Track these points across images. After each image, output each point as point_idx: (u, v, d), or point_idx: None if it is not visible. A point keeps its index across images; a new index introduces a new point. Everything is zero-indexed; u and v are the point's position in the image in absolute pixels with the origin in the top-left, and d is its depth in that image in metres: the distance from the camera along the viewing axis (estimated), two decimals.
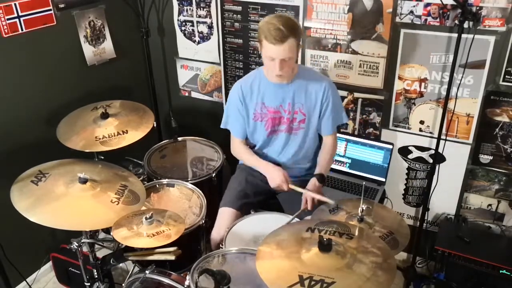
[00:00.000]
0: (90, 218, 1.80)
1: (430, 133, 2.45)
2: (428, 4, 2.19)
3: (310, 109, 2.14)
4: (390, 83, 2.45)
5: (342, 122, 2.26)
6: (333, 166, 2.68)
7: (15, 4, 2.25)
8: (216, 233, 2.14)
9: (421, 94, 2.39)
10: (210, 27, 2.88)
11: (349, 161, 2.65)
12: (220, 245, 1.92)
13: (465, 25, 2.08)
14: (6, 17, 2.23)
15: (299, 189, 2.10)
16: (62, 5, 2.49)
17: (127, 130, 2.24)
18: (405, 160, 2.59)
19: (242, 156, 2.30)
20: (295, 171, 2.28)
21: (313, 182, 2.13)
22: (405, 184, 2.65)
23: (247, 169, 2.36)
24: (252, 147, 2.31)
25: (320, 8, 2.46)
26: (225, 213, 2.18)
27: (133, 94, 3.00)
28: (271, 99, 2.14)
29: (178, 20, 2.98)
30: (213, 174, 2.48)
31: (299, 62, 2.63)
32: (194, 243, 2.20)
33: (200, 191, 2.27)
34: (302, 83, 2.11)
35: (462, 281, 2.25)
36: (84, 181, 1.86)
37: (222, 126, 2.31)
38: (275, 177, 2.12)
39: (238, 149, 2.29)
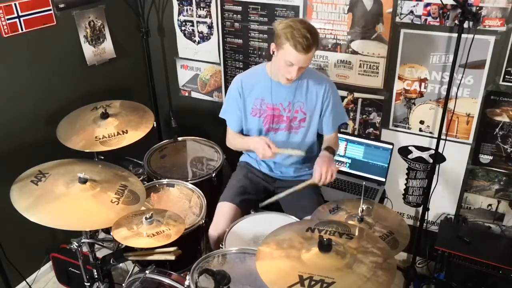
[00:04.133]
0: (90, 218, 1.80)
1: (430, 133, 2.45)
2: (428, 4, 2.19)
3: (311, 109, 2.14)
4: (390, 83, 2.45)
5: (343, 121, 2.26)
6: None
7: (15, 4, 2.25)
8: (214, 228, 2.15)
9: (421, 94, 2.39)
10: (210, 27, 2.88)
11: (349, 161, 2.65)
12: (220, 245, 1.92)
13: (465, 25, 2.08)
14: (6, 17, 2.23)
15: (286, 151, 2.06)
16: (62, 5, 2.49)
17: (127, 130, 2.24)
18: (405, 160, 2.59)
19: (234, 141, 2.29)
20: (292, 170, 2.29)
21: (323, 154, 2.06)
22: (405, 184, 2.65)
23: (247, 167, 2.37)
24: None
25: (320, 8, 2.46)
26: (224, 208, 2.18)
27: (133, 94, 3.00)
28: (271, 97, 2.15)
29: (178, 20, 2.98)
30: (213, 174, 2.47)
31: None
32: (194, 243, 2.20)
33: (200, 191, 2.27)
34: (303, 83, 2.12)
35: (462, 281, 2.25)
36: (84, 181, 1.86)
37: (220, 115, 2.33)
38: (258, 147, 2.06)
39: (231, 139, 2.30)
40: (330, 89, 2.13)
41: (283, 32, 1.89)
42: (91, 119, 2.31)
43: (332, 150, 2.10)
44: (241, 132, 2.30)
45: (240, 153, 2.45)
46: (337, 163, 2.67)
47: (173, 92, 3.28)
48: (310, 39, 1.86)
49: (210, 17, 2.85)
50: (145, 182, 2.38)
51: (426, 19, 2.22)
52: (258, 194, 2.29)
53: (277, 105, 2.15)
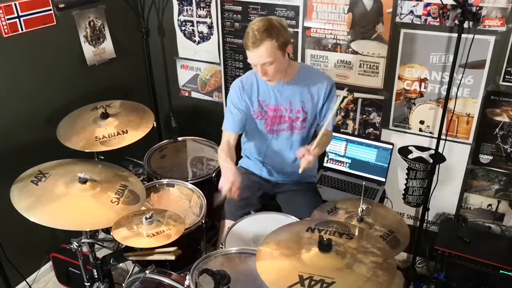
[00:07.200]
0: (90, 218, 1.80)
1: (430, 133, 2.45)
2: (428, 4, 2.19)
3: (312, 107, 2.13)
4: (390, 83, 2.45)
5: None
6: (333, 166, 2.69)
7: (15, 4, 2.25)
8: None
9: (421, 94, 2.39)
10: (210, 27, 2.88)
11: (349, 161, 2.65)
12: (220, 245, 1.92)
13: (465, 25, 2.08)
14: (6, 17, 2.23)
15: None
16: (62, 5, 2.49)
17: (127, 130, 2.24)
18: (405, 160, 2.59)
19: (219, 153, 2.21)
20: (292, 174, 2.28)
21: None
22: (405, 184, 2.65)
23: (246, 174, 2.34)
24: (246, 144, 2.32)
25: (320, 8, 2.46)
26: (227, 226, 2.16)
27: (133, 94, 3.00)
28: (271, 98, 2.14)
29: (178, 20, 2.98)
30: (213, 174, 2.47)
31: (299, 60, 2.63)
32: (194, 243, 2.20)
33: (200, 191, 2.27)
34: (304, 82, 2.10)
35: (462, 281, 2.25)
36: (84, 181, 1.86)
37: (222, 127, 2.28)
38: (224, 183, 2.01)
39: (220, 148, 2.21)
40: (331, 87, 2.11)
41: None
42: (91, 119, 2.31)
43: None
44: (240, 133, 2.27)
45: (238, 156, 2.43)
46: (338, 162, 2.67)
47: (173, 92, 3.28)
48: (256, 35, 1.87)
49: (210, 17, 2.84)
50: (145, 182, 2.38)
51: (426, 19, 2.22)
52: (258, 202, 2.26)
53: (278, 106, 2.14)
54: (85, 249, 2.02)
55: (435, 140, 2.35)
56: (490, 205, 2.43)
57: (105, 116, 2.28)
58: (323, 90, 2.10)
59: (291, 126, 2.17)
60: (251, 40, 1.89)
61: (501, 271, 2.13)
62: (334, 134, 2.62)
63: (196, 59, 3.05)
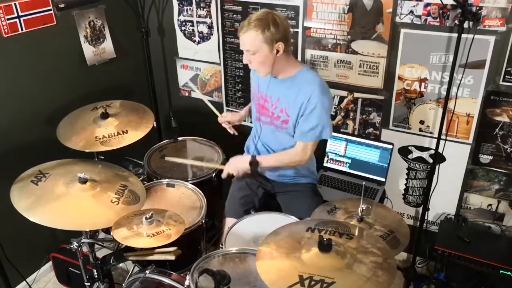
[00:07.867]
0: (90, 218, 1.80)
1: (430, 133, 2.45)
2: (428, 4, 2.19)
3: (295, 112, 2.06)
4: (390, 83, 2.45)
5: (321, 137, 2.07)
6: (333, 166, 2.68)
7: (15, 4, 2.25)
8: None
9: (421, 94, 2.39)
10: (210, 27, 2.88)
11: (349, 161, 2.65)
12: (220, 245, 1.92)
13: (465, 25, 2.08)
14: (6, 17, 2.23)
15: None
16: (62, 5, 2.49)
17: (127, 130, 2.24)
18: (405, 160, 2.59)
19: None
20: (289, 173, 2.27)
21: (246, 156, 2.19)
22: (405, 184, 2.65)
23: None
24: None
25: (320, 8, 2.46)
26: (230, 224, 2.17)
27: (133, 94, 3.00)
28: (265, 87, 2.15)
29: (178, 20, 2.98)
30: (213, 174, 2.47)
31: (298, 58, 2.62)
32: (194, 243, 2.20)
33: (200, 191, 2.27)
34: (296, 84, 2.05)
35: (462, 281, 2.26)
36: (84, 181, 1.86)
37: None
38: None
39: None
40: (317, 97, 1.97)
41: None
42: (91, 119, 2.31)
43: (254, 162, 2.10)
44: None
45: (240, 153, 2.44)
46: (338, 162, 2.67)
47: (173, 92, 3.28)
48: (251, 21, 1.92)
49: (210, 17, 2.85)
50: (145, 182, 2.38)
51: (426, 19, 2.22)
52: (259, 200, 2.27)
53: (267, 98, 2.15)
54: (85, 249, 2.02)
55: (435, 140, 2.35)
56: (490, 205, 2.43)
57: (105, 116, 2.28)
58: (307, 96, 1.99)
59: (271, 122, 2.17)
60: (241, 26, 1.96)
61: (501, 271, 2.13)
62: (334, 134, 2.62)
63: (196, 59, 3.05)
